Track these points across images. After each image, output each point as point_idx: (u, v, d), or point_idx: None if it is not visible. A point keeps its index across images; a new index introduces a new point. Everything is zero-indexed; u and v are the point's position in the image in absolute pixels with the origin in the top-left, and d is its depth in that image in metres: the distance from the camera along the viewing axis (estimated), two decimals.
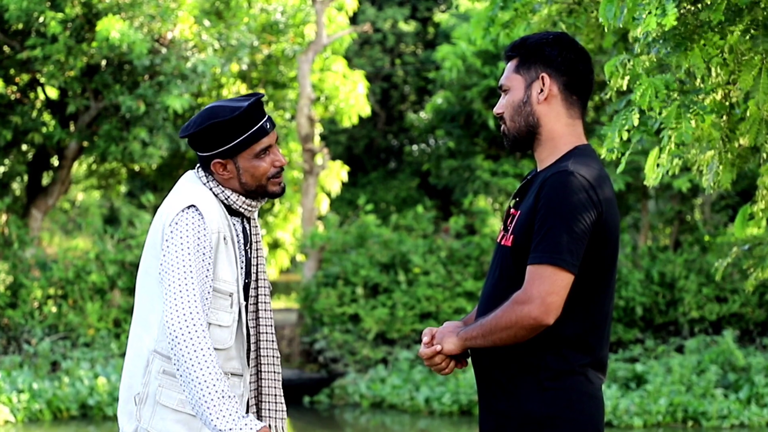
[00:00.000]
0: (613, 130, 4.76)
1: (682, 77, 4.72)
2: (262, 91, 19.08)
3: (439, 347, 3.61)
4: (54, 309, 16.47)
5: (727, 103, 4.98)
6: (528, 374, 3.50)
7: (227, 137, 3.81)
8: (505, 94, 3.66)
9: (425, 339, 3.65)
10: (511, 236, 3.54)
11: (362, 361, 17.10)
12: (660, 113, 4.66)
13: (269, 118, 3.89)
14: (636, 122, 4.66)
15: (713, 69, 4.79)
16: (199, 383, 3.59)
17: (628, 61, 4.69)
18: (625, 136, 4.74)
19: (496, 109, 3.68)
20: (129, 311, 16.64)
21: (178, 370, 3.63)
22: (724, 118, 5.04)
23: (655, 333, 17.24)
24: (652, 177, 5.26)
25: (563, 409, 3.47)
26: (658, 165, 5.23)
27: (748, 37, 4.57)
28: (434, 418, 15.23)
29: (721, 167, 5.22)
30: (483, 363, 3.60)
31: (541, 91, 3.58)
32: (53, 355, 15.78)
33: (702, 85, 4.80)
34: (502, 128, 3.68)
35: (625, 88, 4.77)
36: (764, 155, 5.26)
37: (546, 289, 3.38)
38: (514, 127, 3.63)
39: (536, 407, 3.48)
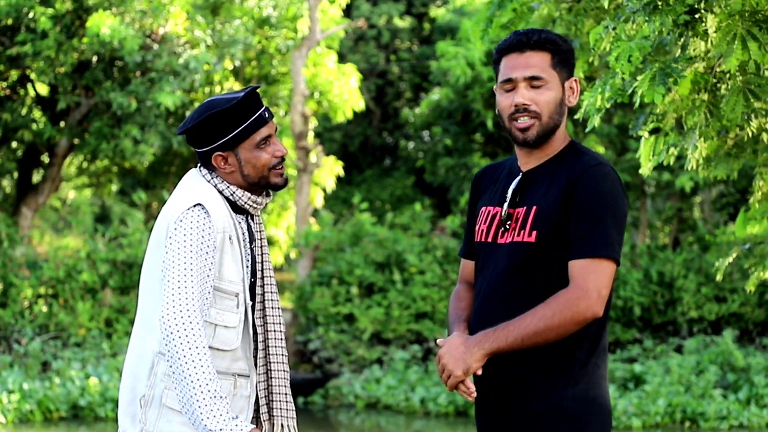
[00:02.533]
0: (593, 95, 4.74)
1: (651, 37, 4.65)
2: None
3: (470, 389, 3.53)
4: (44, 308, 16.38)
5: (712, 78, 4.89)
6: (558, 370, 3.50)
7: (227, 128, 3.81)
8: (537, 88, 3.60)
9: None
10: (534, 232, 3.51)
11: (357, 362, 17.00)
12: (635, 78, 4.64)
13: (267, 108, 3.88)
14: (617, 87, 4.62)
15: (695, 39, 4.71)
16: (192, 381, 3.56)
17: (613, 28, 4.64)
18: (605, 104, 4.71)
19: (522, 99, 3.58)
20: (121, 311, 16.57)
21: (171, 366, 3.61)
22: (707, 94, 4.95)
23: (654, 333, 17.16)
24: (646, 166, 5.25)
25: (590, 404, 3.50)
26: (653, 155, 5.23)
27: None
28: (430, 419, 15.14)
29: (704, 144, 5.17)
30: (504, 362, 3.53)
31: (573, 93, 3.64)
32: (44, 355, 15.67)
33: (680, 54, 4.72)
34: (523, 122, 3.60)
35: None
36: (750, 132, 5.18)
37: (602, 283, 3.41)
38: (550, 124, 3.62)
39: (570, 403, 3.48)
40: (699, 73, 4.80)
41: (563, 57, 3.63)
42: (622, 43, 4.50)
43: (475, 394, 3.54)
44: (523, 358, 3.50)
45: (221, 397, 3.59)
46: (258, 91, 3.88)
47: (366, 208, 20.08)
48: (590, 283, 3.39)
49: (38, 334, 16.18)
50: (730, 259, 6.18)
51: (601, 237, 3.41)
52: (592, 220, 3.42)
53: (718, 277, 6.36)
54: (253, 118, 3.81)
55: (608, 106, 4.84)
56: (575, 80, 3.64)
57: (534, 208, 3.53)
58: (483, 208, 3.71)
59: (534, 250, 3.50)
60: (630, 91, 4.70)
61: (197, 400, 3.57)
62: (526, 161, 3.65)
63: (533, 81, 3.60)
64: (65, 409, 14.41)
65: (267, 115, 3.85)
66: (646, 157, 5.27)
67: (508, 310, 3.50)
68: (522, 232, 3.53)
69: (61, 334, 16.25)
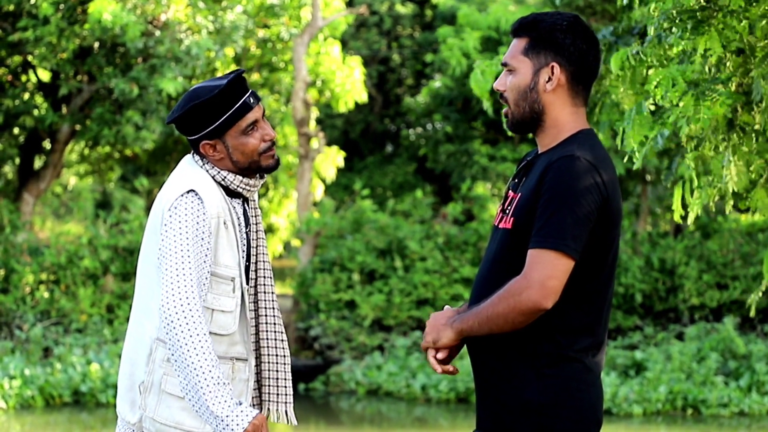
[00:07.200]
0: (627, 123, 4.61)
1: (698, 65, 4.51)
2: (256, 74, 18.97)
3: (441, 355, 3.54)
4: (46, 294, 16.37)
5: (742, 93, 4.81)
6: (525, 361, 3.44)
7: (211, 117, 3.78)
8: (510, 74, 3.57)
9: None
10: (512, 218, 3.49)
11: (358, 348, 16.99)
12: (677, 105, 4.48)
13: (253, 92, 3.84)
14: (650, 109, 4.48)
15: (728, 56, 4.61)
16: (195, 369, 3.58)
17: (638, 52, 4.49)
18: (647, 133, 4.57)
19: (498, 85, 3.59)
20: (122, 297, 16.58)
21: (173, 354, 3.62)
22: (739, 110, 4.88)
23: (655, 320, 17.16)
24: (679, 213, 5.15)
25: (562, 398, 3.41)
26: (683, 201, 5.10)
27: (765, 22, 4.38)
28: (431, 406, 15.14)
29: (737, 161, 5.05)
30: (479, 350, 3.53)
31: (549, 80, 3.50)
32: (45, 341, 15.68)
33: (718, 75, 4.61)
34: (504, 109, 3.61)
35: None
36: None
37: (546, 273, 3.33)
38: (518, 111, 3.55)
39: (534, 395, 3.42)
40: (732, 92, 4.72)
41: (540, 41, 3.50)
42: (660, 71, 4.34)
43: (439, 370, 3.54)
44: (491, 345, 3.48)
45: (225, 383, 3.61)
46: (254, 77, 3.85)
47: (367, 194, 20.09)
48: (535, 273, 3.33)
49: (40, 320, 16.18)
50: (760, 294, 6.12)
51: (553, 229, 3.34)
52: (549, 211, 3.35)
53: (752, 313, 6.32)
54: (237, 105, 3.77)
55: (653, 134, 4.65)
56: (554, 65, 3.49)
57: (519, 195, 3.51)
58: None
59: (511, 237, 3.48)
60: (673, 119, 4.56)
61: (202, 387, 3.58)
62: (539, 148, 3.61)
63: (506, 66, 3.58)
64: (67, 395, 14.43)
65: (252, 101, 3.81)
66: (679, 207, 5.12)
67: (491, 295, 3.47)
68: (506, 218, 3.52)
69: (62, 320, 16.26)
